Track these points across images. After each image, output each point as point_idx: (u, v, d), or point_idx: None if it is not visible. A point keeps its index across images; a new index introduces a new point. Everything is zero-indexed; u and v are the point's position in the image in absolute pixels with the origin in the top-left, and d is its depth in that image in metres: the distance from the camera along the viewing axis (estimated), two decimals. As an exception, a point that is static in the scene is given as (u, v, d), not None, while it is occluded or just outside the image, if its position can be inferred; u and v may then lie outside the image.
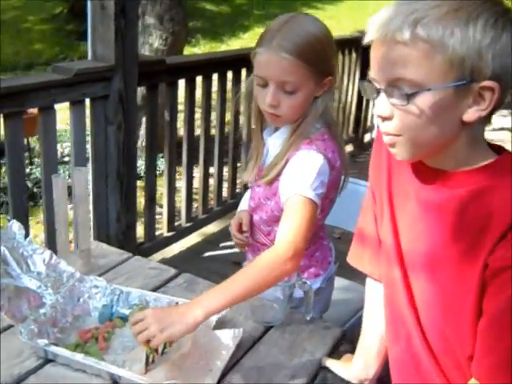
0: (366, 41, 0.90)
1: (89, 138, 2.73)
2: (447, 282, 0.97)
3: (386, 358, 1.26)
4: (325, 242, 1.72)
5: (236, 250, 1.85)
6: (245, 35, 11.13)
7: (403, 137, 0.93)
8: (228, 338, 1.39)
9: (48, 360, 1.32)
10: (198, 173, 3.66)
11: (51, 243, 2.35)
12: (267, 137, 1.59)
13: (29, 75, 7.35)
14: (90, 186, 2.81)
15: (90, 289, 1.51)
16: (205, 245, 3.65)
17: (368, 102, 5.58)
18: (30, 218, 3.91)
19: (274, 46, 1.40)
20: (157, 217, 3.41)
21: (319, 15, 1.84)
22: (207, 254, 3.53)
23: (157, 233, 3.35)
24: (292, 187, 1.41)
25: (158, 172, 3.51)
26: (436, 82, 0.86)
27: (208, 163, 3.59)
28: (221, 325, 1.43)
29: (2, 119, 2.31)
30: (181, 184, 3.49)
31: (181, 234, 3.48)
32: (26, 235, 2.33)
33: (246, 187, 3.95)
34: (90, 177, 2.77)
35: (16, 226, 1.50)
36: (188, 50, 9.23)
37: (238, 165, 3.89)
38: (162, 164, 3.80)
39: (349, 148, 5.20)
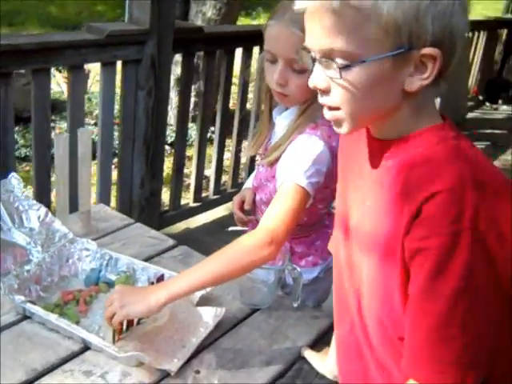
0: (297, 7, 0.84)
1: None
2: (381, 264, 0.90)
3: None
4: (330, 231, 1.65)
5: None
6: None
7: (342, 110, 0.87)
8: (208, 316, 1.36)
9: (26, 317, 1.32)
10: (230, 146, 3.62)
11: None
12: (277, 115, 1.52)
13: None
14: (118, 150, 2.82)
15: (81, 251, 1.50)
16: (231, 219, 3.60)
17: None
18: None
19: (286, 19, 1.32)
20: (184, 186, 3.40)
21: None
22: (232, 228, 3.50)
23: (182, 202, 3.34)
24: (286, 172, 1.35)
25: (189, 142, 3.49)
26: (371, 53, 0.80)
27: (241, 137, 3.54)
28: (205, 301, 1.40)
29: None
30: (211, 155, 3.46)
31: (207, 205, 3.46)
32: (45, 190, 2.39)
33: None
34: (116, 140, 2.77)
35: (15, 179, 1.50)
36: (246, 22, 9.16)
37: (274, 142, 3.82)
38: (193, 133, 3.78)
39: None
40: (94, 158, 2.11)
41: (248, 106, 3.60)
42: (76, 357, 1.23)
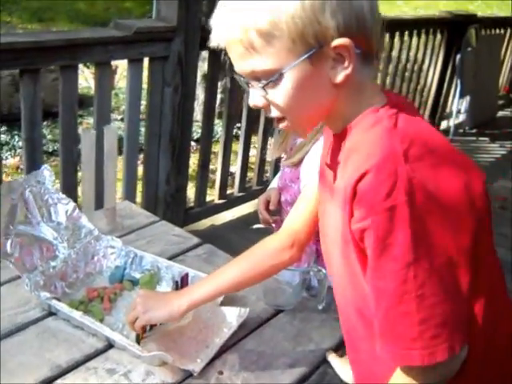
0: (212, 44, 0.89)
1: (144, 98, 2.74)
2: (343, 255, 0.92)
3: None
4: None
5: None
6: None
7: (287, 119, 0.92)
8: (232, 316, 1.35)
9: (51, 313, 1.32)
10: (255, 143, 3.61)
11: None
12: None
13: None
14: (144, 146, 2.83)
15: (106, 248, 1.50)
16: (256, 216, 3.58)
17: (449, 86, 5.32)
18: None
19: None
20: (210, 183, 3.39)
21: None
22: (256, 226, 3.49)
23: (207, 199, 3.34)
24: (309, 175, 1.33)
25: (215, 138, 3.49)
26: (286, 63, 0.85)
27: (267, 134, 3.52)
28: (229, 302, 1.39)
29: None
30: (237, 153, 3.45)
31: (232, 202, 3.46)
32: (71, 186, 2.40)
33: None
34: (143, 136, 2.78)
35: (47, 171, 1.48)
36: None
37: (300, 139, 3.80)
38: (219, 130, 3.78)
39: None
40: (120, 153, 2.13)
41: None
42: (100, 354, 1.23)
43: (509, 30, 6.06)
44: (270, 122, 3.46)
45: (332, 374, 1.25)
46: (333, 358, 1.27)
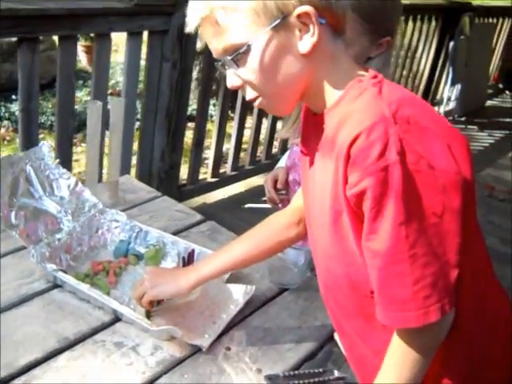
0: (187, 31, 0.92)
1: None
2: (334, 230, 0.92)
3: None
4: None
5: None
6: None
7: (264, 97, 0.92)
8: (239, 293, 1.35)
9: (56, 285, 1.31)
10: (250, 123, 3.59)
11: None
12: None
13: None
14: (138, 122, 2.80)
15: (110, 222, 1.49)
16: (248, 196, 3.61)
17: (441, 74, 5.34)
18: (84, 144, 4.00)
19: None
20: (204, 162, 3.38)
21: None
22: (248, 205, 3.50)
23: (200, 177, 3.33)
24: None
25: (210, 117, 3.47)
26: (253, 36, 0.86)
27: (262, 115, 3.51)
28: (234, 279, 1.39)
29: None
30: (231, 132, 3.43)
31: (224, 181, 3.45)
32: (66, 159, 2.37)
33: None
34: (139, 112, 2.75)
35: (46, 147, 1.48)
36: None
37: (293, 121, 3.79)
38: (214, 109, 3.76)
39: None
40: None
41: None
42: (107, 328, 1.22)
43: (500, 20, 6.09)
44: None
45: (338, 352, 1.26)
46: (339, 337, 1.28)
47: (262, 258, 1.26)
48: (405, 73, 4.88)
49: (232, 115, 3.49)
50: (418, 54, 4.91)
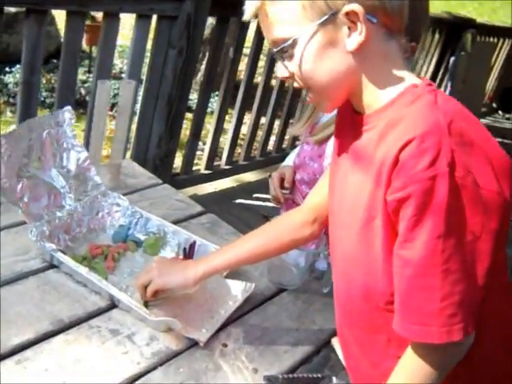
0: (245, 18, 0.92)
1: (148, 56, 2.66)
2: (362, 234, 0.90)
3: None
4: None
5: (269, 204, 1.77)
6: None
7: (311, 90, 0.92)
8: (238, 290, 1.32)
9: (52, 265, 1.28)
10: (248, 119, 3.56)
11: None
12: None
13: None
14: (138, 106, 2.75)
15: (112, 206, 1.45)
16: (239, 191, 3.59)
17: (439, 87, 5.35)
18: (77, 123, 3.94)
19: None
20: (198, 153, 3.34)
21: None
22: (239, 200, 3.47)
23: (194, 168, 3.29)
24: None
25: (209, 109, 3.43)
26: (300, 30, 0.86)
27: (261, 112, 3.48)
28: (233, 275, 1.36)
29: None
30: (229, 126, 3.40)
31: (218, 174, 3.41)
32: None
33: (293, 144, 3.87)
34: (140, 96, 2.70)
35: (69, 113, 1.41)
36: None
37: (291, 121, 3.77)
38: (215, 102, 3.72)
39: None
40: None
41: (273, 82, 3.53)
42: (103, 313, 1.19)
43: (501, 40, 6.13)
44: (263, 102, 3.42)
45: (335, 359, 1.24)
46: (338, 344, 1.26)
47: (274, 254, 1.24)
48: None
49: (231, 111, 3.47)
50: (418, 66, 4.91)
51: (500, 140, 5.91)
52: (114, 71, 4.95)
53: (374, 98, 0.90)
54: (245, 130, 3.59)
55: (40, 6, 2.10)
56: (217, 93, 3.57)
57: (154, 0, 2.44)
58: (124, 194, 1.55)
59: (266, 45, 3.29)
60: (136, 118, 2.78)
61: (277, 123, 3.73)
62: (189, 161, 3.20)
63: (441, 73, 5.18)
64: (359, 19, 0.83)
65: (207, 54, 3.33)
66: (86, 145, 2.45)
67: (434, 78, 5.15)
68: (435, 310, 0.79)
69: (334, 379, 1.13)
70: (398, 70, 0.89)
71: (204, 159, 3.33)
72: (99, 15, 4.34)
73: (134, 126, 2.78)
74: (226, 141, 3.45)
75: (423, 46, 4.75)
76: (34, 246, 1.29)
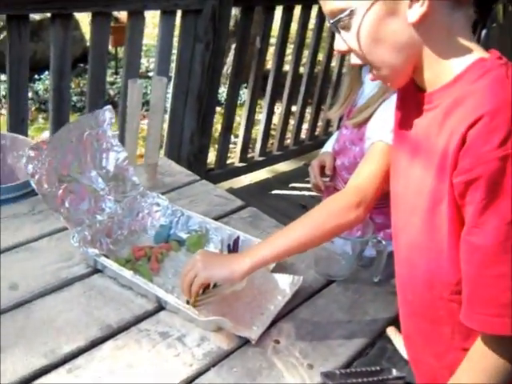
0: None
1: (175, 52, 2.63)
2: (427, 219, 0.85)
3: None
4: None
5: (306, 192, 1.72)
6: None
7: (373, 66, 0.88)
8: (285, 284, 1.29)
9: (97, 270, 1.26)
10: (279, 109, 3.52)
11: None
12: (366, 74, 1.42)
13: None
14: (169, 103, 2.73)
15: (151, 206, 1.43)
16: (274, 182, 3.55)
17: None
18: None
19: None
20: (230, 146, 3.31)
21: None
22: (275, 191, 3.43)
23: (228, 161, 3.26)
24: (378, 132, 1.25)
25: (239, 102, 3.39)
26: (358, 1, 0.82)
27: (291, 101, 3.43)
28: (279, 269, 1.33)
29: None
30: (260, 117, 3.36)
31: (252, 166, 3.38)
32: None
33: (326, 130, 3.81)
34: (170, 92, 2.68)
35: (109, 113, 1.38)
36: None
37: (322, 107, 3.71)
38: (243, 94, 3.68)
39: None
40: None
41: (301, 70, 3.47)
42: (150, 316, 1.17)
43: (534, 8, 5.93)
44: (294, 90, 3.37)
45: (391, 349, 1.19)
46: (393, 334, 1.21)
47: (320, 241, 1.18)
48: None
49: (261, 102, 3.42)
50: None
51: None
52: (140, 70, 4.95)
53: (438, 73, 0.84)
54: (276, 119, 3.54)
55: (65, 11, 2.10)
56: (245, 84, 3.51)
57: (177, -5, 2.41)
58: (162, 193, 1.53)
59: (293, 32, 3.26)
60: (167, 116, 2.76)
61: (308, 111, 3.67)
62: (222, 155, 3.17)
63: (473, 47, 5.04)
64: None
65: (233, 46, 3.30)
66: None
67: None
68: (507, 300, 0.75)
69: (394, 371, 1.09)
70: (464, 43, 0.83)
71: (237, 152, 3.30)
72: (122, 15, 4.35)
73: (165, 124, 2.77)
74: (258, 132, 3.41)
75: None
76: (77, 252, 1.28)
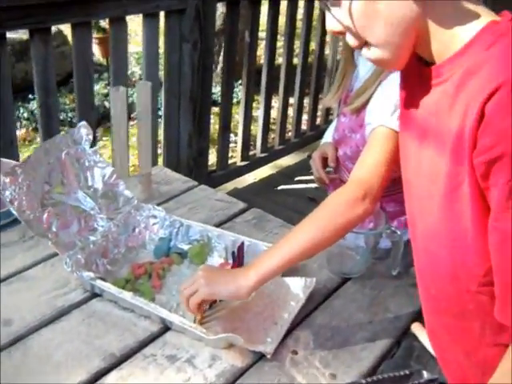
0: None
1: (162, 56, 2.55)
2: (446, 205, 0.77)
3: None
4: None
5: (312, 185, 1.63)
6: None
7: (371, 45, 0.79)
8: (298, 288, 1.20)
9: (95, 294, 1.18)
10: (276, 102, 3.42)
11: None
12: (359, 55, 1.32)
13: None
14: (162, 108, 2.65)
15: (148, 219, 1.34)
16: (279, 177, 3.46)
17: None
18: (105, 138, 3.88)
19: None
20: (231, 146, 3.23)
21: None
22: (281, 187, 3.34)
23: (229, 161, 3.18)
24: (378, 117, 1.17)
25: (234, 100, 3.30)
26: None
27: (288, 93, 3.33)
28: (291, 272, 1.23)
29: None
30: (257, 113, 3.27)
31: (255, 164, 3.29)
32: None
33: (326, 119, 3.71)
34: (162, 97, 2.60)
35: (85, 129, 1.31)
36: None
37: (320, 96, 3.61)
38: (239, 91, 3.59)
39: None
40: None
41: (295, 61, 3.38)
42: (156, 339, 1.08)
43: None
44: (289, 82, 3.27)
45: (419, 347, 1.10)
46: (419, 330, 1.12)
47: (330, 242, 1.08)
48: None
49: (257, 98, 3.33)
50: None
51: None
52: (133, 79, 4.88)
53: (445, 43, 0.75)
54: (275, 113, 3.45)
55: (43, 24, 2.02)
56: (240, 81, 3.43)
57: (158, -4, 2.32)
58: (159, 204, 1.45)
59: (282, 25, 3.16)
60: (162, 122, 2.68)
61: (306, 101, 3.58)
62: (223, 155, 3.09)
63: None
64: None
65: (223, 44, 3.20)
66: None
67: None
68: None
69: (425, 373, 0.99)
70: (471, 7, 0.74)
71: (238, 151, 3.22)
72: (109, 25, 4.27)
73: (160, 131, 2.68)
74: (257, 128, 3.32)
75: None
76: (73, 277, 1.19)
